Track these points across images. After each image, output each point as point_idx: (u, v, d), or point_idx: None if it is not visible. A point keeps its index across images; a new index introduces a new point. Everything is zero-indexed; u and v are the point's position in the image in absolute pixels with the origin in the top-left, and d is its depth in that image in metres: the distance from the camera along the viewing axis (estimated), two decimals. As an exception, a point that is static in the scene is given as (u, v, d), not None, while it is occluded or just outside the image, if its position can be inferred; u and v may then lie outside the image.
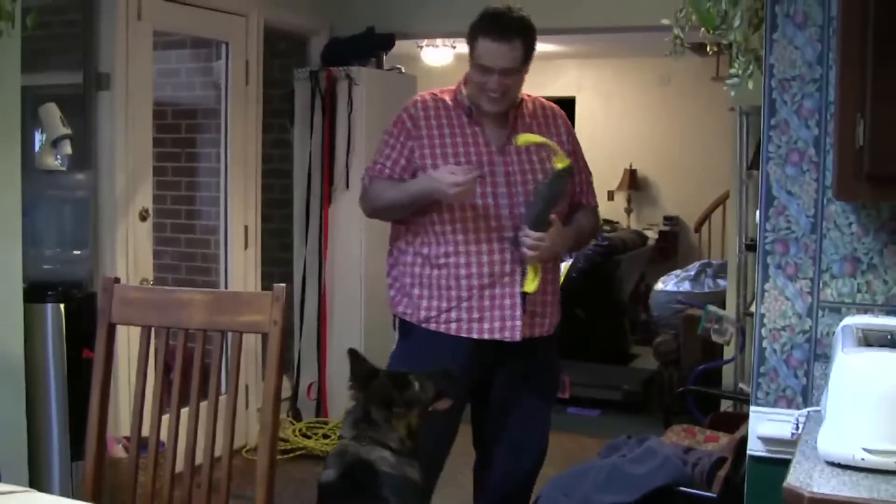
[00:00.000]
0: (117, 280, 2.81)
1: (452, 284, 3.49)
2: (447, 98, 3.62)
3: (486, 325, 3.49)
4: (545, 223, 3.42)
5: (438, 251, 3.51)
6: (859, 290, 2.74)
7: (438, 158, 3.50)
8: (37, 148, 4.73)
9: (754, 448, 2.84)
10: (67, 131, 4.44)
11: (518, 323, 3.50)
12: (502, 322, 3.49)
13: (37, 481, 4.25)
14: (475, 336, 3.50)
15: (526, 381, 3.66)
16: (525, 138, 3.47)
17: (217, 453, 2.67)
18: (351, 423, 3.29)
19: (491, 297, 3.48)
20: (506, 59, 3.43)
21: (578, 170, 3.71)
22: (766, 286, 2.82)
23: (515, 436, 3.71)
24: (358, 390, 3.28)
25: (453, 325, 3.50)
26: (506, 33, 3.42)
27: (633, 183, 10.97)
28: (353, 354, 3.37)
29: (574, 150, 3.70)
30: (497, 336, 3.49)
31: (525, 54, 3.47)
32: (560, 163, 3.40)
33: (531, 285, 3.48)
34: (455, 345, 3.51)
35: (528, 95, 3.67)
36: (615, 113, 11.08)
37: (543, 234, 3.40)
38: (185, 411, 2.71)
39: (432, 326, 3.53)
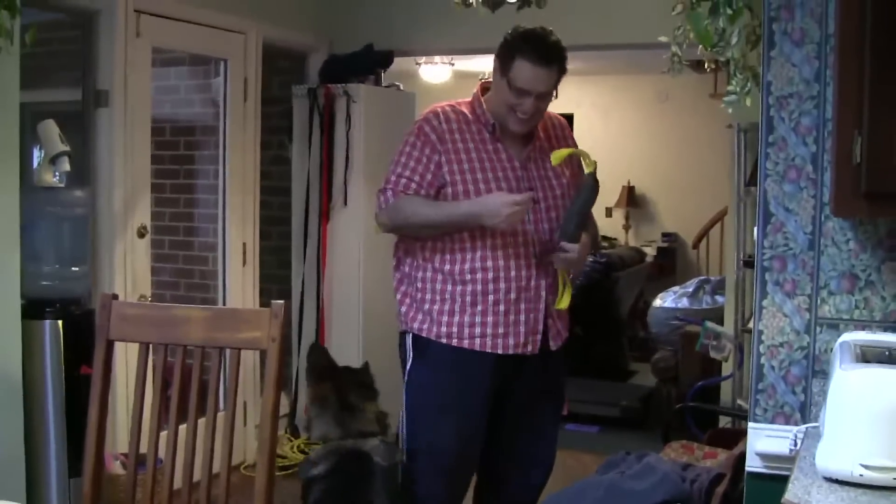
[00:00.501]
0: (115, 296, 2.80)
1: (479, 300, 3.48)
2: (467, 111, 3.59)
3: (510, 341, 3.50)
4: (578, 236, 3.46)
5: (463, 267, 3.48)
6: (857, 307, 2.74)
7: (467, 174, 3.48)
8: (35, 164, 4.74)
9: (752, 464, 2.83)
10: (66, 148, 4.44)
11: (539, 337, 3.53)
12: (526, 336, 3.51)
13: (34, 498, 4.24)
14: (500, 351, 3.50)
15: (541, 396, 3.68)
16: (558, 155, 3.48)
17: (215, 470, 2.66)
18: (331, 416, 3.41)
19: (517, 312, 3.49)
20: (545, 83, 3.43)
21: None
22: (764, 303, 2.82)
23: (528, 450, 3.72)
24: (324, 381, 3.41)
25: (477, 341, 3.49)
26: (548, 59, 3.41)
27: (632, 200, 10.97)
28: (315, 347, 3.52)
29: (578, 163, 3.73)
30: (520, 350, 3.51)
31: (560, 75, 3.48)
32: (588, 167, 3.43)
33: (564, 302, 3.53)
34: (478, 359, 3.51)
35: None
36: (613, 130, 11.09)
37: (576, 246, 3.43)
38: (183, 428, 2.71)
39: (454, 342, 3.51)
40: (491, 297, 3.47)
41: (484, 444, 3.70)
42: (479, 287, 3.47)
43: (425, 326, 3.55)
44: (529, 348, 3.52)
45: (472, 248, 3.47)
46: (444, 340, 3.52)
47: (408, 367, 3.64)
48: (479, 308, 3.48)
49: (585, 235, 3.56)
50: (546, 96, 3.47)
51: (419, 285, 3.57)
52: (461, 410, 3.55)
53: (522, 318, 3.49)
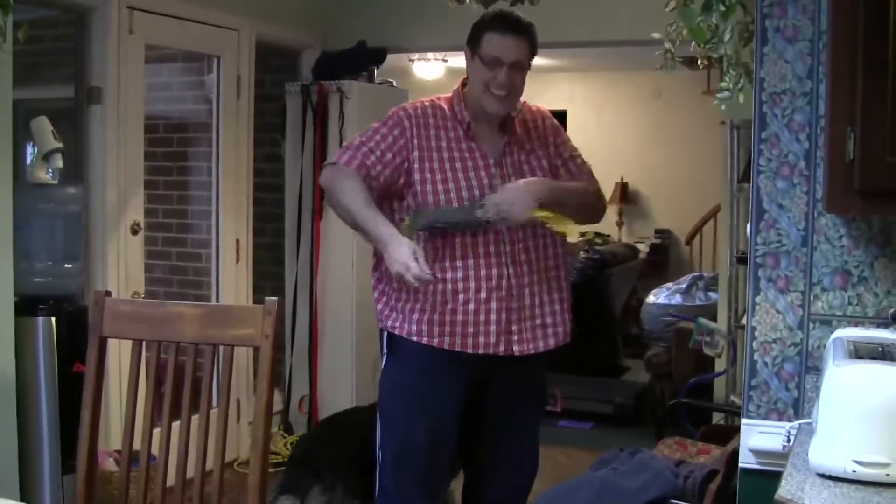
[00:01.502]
0: (108, 293, 2.81)
1: (449, 299, 3.44)
2: (445, 107, 3.57)
3: (480, 340, 3.45)
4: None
5: (433, 266, 3.43)
6: (850, 303, 2.74)
7: (437, 173, 3.45)
8: (28, 161, 4.73)
9: (746, 461, 2.83)
10: (59, 145, 4.44)
11: (514, 337, 3.48)
12: (497, 337, 3.46)
13: (28, 495, 4.24)
14: (469, 350, 3.46)
15: (520, 398, 3.64)
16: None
17: (208, 467, 2.67)
18: None
19: (487, 312, 3.44)
20: (515, 51, 3.41)
21: (567, 159, 3.71)
22: (757, 299, 2.82)
23: (511, 450, 3.69)
24: None
25: (447, 339, 3.45)
26: (514, 27, 3.41)
27: (625, 196, 10.98)
28: None
29: (563, 143, 3.71)
30: (491, 351, 3.47)
31: (531, 51, 3.47)
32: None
33: (567, 230, 3.52)
34: (449, 359, 3.48)
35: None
36: (606, 126, 11.10)
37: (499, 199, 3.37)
38: (176, 425, 2.71)
39: (424, 340, 3.47)
40: (461, 297, 3.44)
41: (467, 445, 3.70)
42: (448, 286, 3.44)
43: (397, 324, 3.52)
44: (501, 349, 3.47)
45: (442, 246, 3.45)
46: (414, 338, 3.49)
47: (382, 364, 3.64)
48: (449, 307, 3.44)
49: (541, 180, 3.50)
50: (518, 67, 3.44)
51: (395, 284, 3.52)
52: (431, 410, 3.53)
53: (494, 317, 3.45)
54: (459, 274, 3.44)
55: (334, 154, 3.55)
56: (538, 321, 3.54)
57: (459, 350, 3.46)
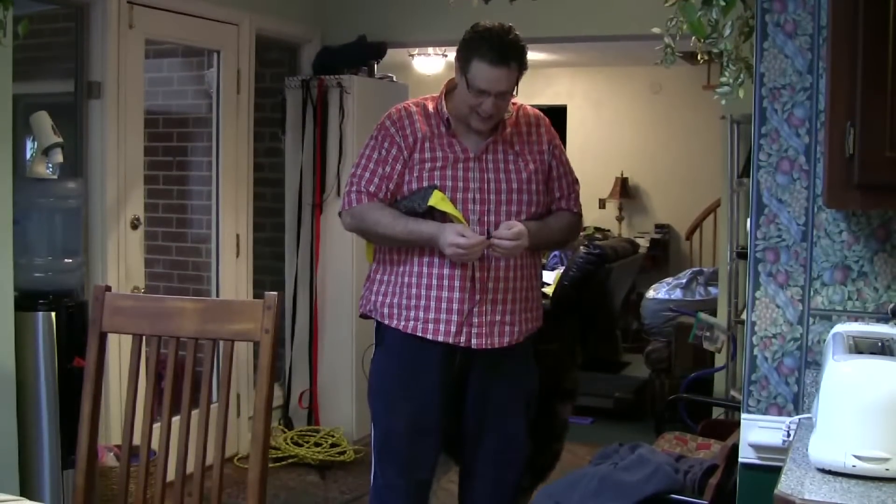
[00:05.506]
0: (108, 288, 2.80)
1: (414, 283, 3.53)
2: (430, 105, 3.62)
3: (441, 328, 3.51)
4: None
5: (402, 249, 3.55)
6: (850, 298, 2.74)
7: (416, 167, 3.51)
8: (28, 156, 4.73)
9: (745, 455, 2.84)
10: (59, 140, 4.43)
11: (475, 330, 3.51)
12: (458, 327, 3.50)
13: (28, 490, 4.24)
14: (430, 337, 3.51)
15: (499, 389, 3.65)
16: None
17: (208, 462, 2.67)
18: None
19: (449, 301, 3.50)
20: (503, 83, 3.42)
21: (561, 175, 3.71)
22: (757, 294, 2.82)
23: (497, 448, 3.70)
24: None
25: (410, 324, 3.54)
26: (505, 58, 3.39)
27: (625, 191, 10.99)
28: None
29: (558, 157, 3.70)
30: (451, 340, 3.51)
31: (520, 73, 3.47)
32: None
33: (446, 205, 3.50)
34: (424, 349, 3.54)
35: (514, 103, 3.63)
36: (606, 121, 11.10)
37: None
38: (176, 420, 2.71)
39: (394, 324, 3.56)
40: (424, 281, 3.51)
41: (455, 439, 3.73)
42: (415, 269, 3.52)
43: (370, 307, 3.65)
44: (462, 339, 3.51)
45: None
46: (386, 321, 3.58)
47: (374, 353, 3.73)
48: (414, 291, 3.53)
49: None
50: (506, 95, 3.46)
51: (374, 266, 3.68)
52: (410, 399, 3.59)
53: (455, 307, 3.49)
54: (426, 259, 3.51)
55: (342, 203, 3.65)
56: (498, 317, 3.56)
57: (421, 335, 3.52)
